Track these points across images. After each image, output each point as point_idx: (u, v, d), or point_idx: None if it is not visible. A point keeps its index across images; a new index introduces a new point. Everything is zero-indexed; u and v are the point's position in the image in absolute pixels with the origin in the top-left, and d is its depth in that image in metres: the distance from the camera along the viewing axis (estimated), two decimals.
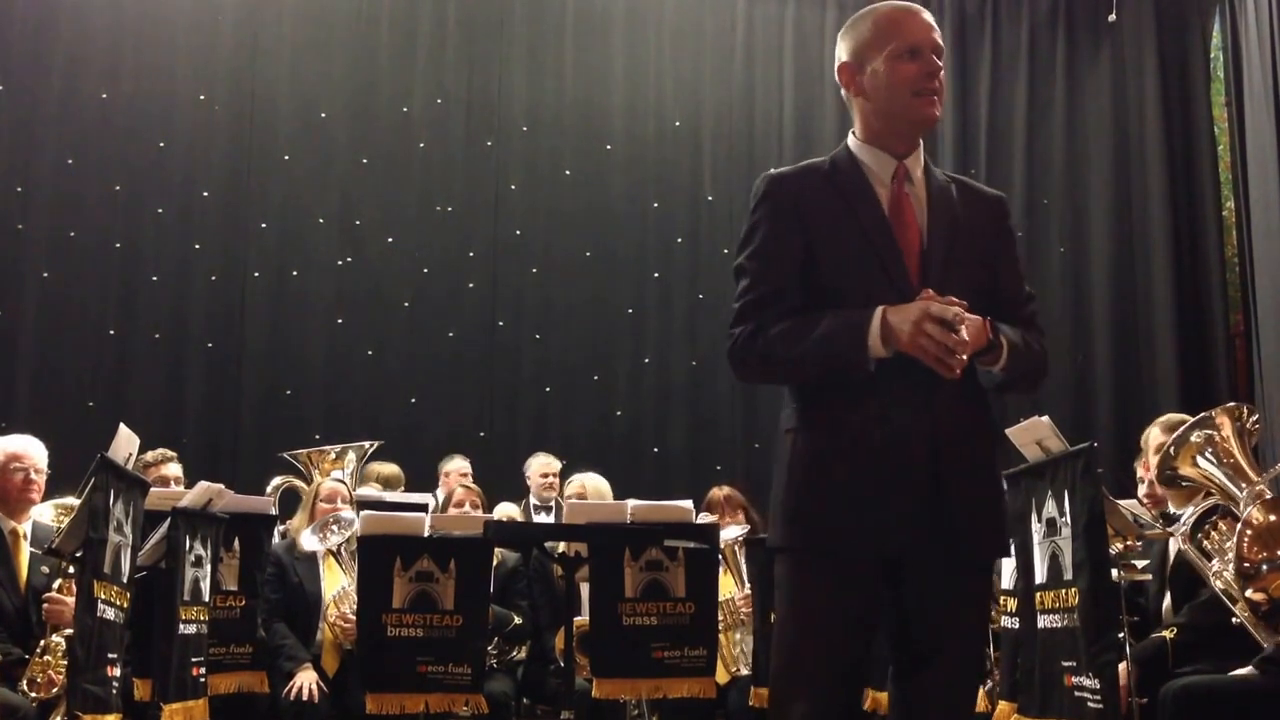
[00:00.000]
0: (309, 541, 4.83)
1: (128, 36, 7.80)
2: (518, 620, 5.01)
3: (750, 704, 4.72)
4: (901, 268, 2.37)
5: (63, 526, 3.84)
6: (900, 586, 2.36)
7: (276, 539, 5.03)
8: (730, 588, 5.12)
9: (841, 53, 2.49)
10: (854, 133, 2.52)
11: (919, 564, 2.32)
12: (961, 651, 2.37)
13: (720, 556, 4.85)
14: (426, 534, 4.44)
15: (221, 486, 4.38)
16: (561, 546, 4.75)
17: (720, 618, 4.76)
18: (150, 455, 5.44)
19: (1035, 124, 8.75)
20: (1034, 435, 3.66)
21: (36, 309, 7.49)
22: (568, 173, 8.21)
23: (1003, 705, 3.87)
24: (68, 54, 7.69)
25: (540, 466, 6.81)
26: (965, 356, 2.25)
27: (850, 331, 2.28)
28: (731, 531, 5.17)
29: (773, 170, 2.55)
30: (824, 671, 2.31)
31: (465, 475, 6.69)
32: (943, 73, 2.42)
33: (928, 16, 2.44)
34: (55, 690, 3.91)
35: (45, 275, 7.53)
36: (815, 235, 2.41)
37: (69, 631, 3.77)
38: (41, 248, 7.54)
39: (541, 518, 6.46)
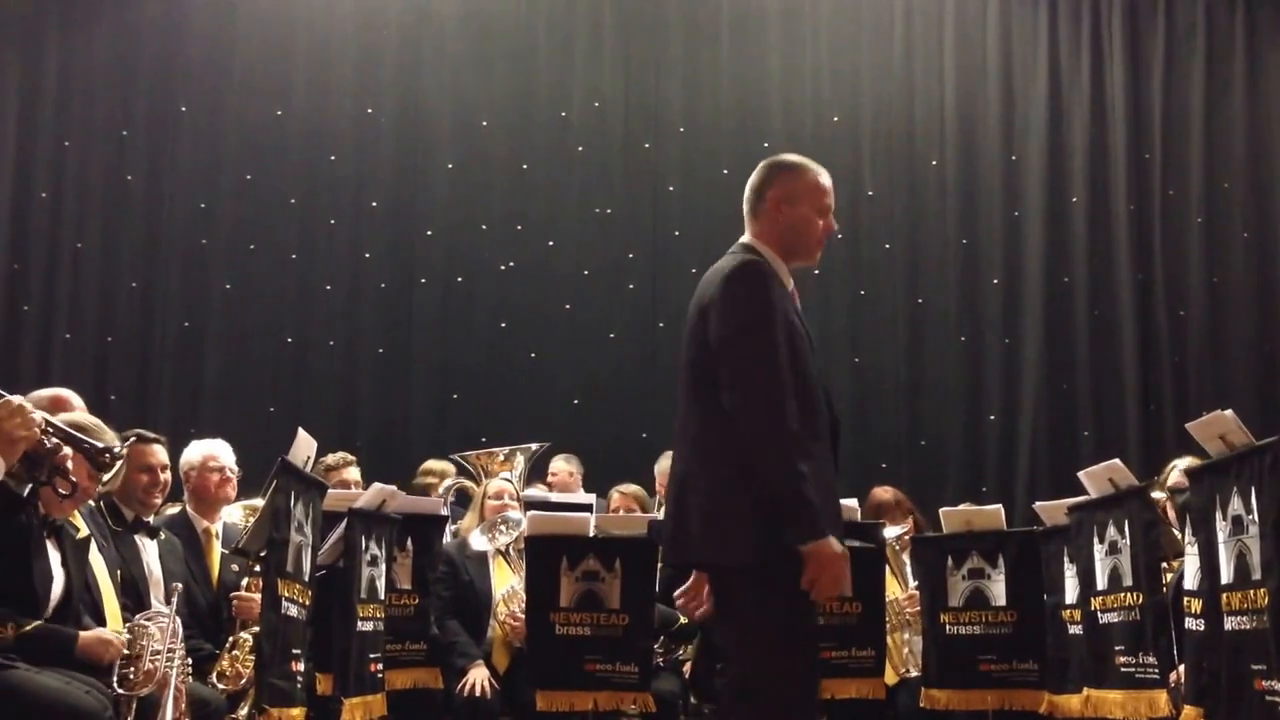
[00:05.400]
0: (478, 541, 4.93)
1: (298, 56, 8.12)
2: (683, 620, 5.02)
3: (920, 705, 4.64)
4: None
5: (249, 526, 4.00)
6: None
7: (448, 538, 5.15)
8: (894, 589, 5.03)
9: (779, 181, 3.17)
10: (757, 240, 3.15)
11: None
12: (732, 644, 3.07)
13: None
14: (592, 534, 4.50)
15: (394, 488, 4.52)
16: None
17: (885, 619, 4.69)
18: (331, 459, 5.63)
19: (1214, 104, 8.36)
20: (1217, 429, 3.50)
21: (220, 319, 7.87)
22: (725, 172, 8.19)
23: (1188, 710, 3.71)
24: (243, 76, 8.05)
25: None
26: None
27: (819, 523, 2.87)
28: (893, 531, 5.08)
29: (761, 262, 3.09)
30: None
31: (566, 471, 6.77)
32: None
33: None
34: (243, 683, 4.07)
35: (227, 287, 7.89)
36: (792, 331, 3.03)
37: (256, 628, 3.93)
38: (223, 260, 7.92)
39: None
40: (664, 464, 6.72)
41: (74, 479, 2.97)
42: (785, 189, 3.17)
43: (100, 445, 3.04)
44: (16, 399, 2.81)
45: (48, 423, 2.91)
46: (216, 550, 4.54)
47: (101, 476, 3.12)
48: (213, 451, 4.64)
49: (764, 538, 2.87)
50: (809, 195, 3.18)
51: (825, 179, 3.22)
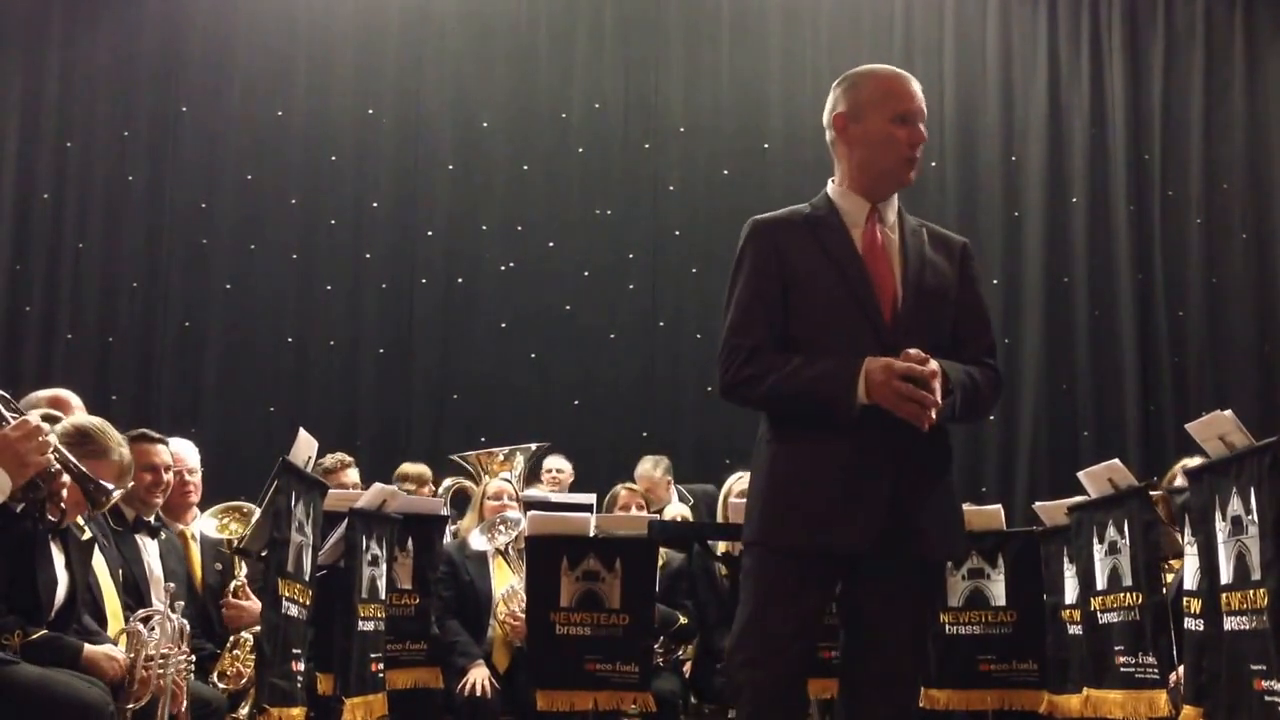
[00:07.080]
0: (477, 541, 4.94)
1: (299, 56, 8.13)
2: (683, 620, 5.03)
3: (920, 705, 4.63)
4: (874, 301, 2.63)
5: (248, 531, 4.00)
6: (854, 583, 2.69)
7: (448, 538, 5.15)
8: None
9: (839, 104, 2.77)
10: (833, 180, 2.79)
11: (873, 564, 2.62)
12: (906, 642, 2.70)
13: None
14: (592, 534, 4.50)
15: (395, 488, 4.52)
16: (723, 546, 4.76)
17: None
18: (329, 461, 5.61)
19: (1213, 105, 8.37)
20: (1216, 430, 3.50)
21: (220, 319, 7.88)
22: (726, 173, 8.21)
23: (1188, 710, 3.71)
24: (243, 76, 8.07)
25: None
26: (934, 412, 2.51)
27: (839, 380, 2.53)
28: None
29: (756, 216, 2.76)
30: (777, 655, 2.61)
31: (560, 470, 6.82)
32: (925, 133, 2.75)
33: (918, 86, 2.76)
34: (244, 683, 4.08)
35: (228, 287, 7.90)
36: (792, 276, 2.66)
37: (257, 628, 3.93)
38: (224, 260, 7.94)
39: None
40: (642, 468, 6.75)
41: (64, 506, 2.96)
42: (848, 104, 2.73)
43: (99, 483, 3.01)
44: (34, 420, 2.79)
45: (56, 448, 2.90)
46: (195, 553, 4.51)
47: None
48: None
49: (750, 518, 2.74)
50: (877, 103, 2.70)
51: (898, 80, 2.74)
